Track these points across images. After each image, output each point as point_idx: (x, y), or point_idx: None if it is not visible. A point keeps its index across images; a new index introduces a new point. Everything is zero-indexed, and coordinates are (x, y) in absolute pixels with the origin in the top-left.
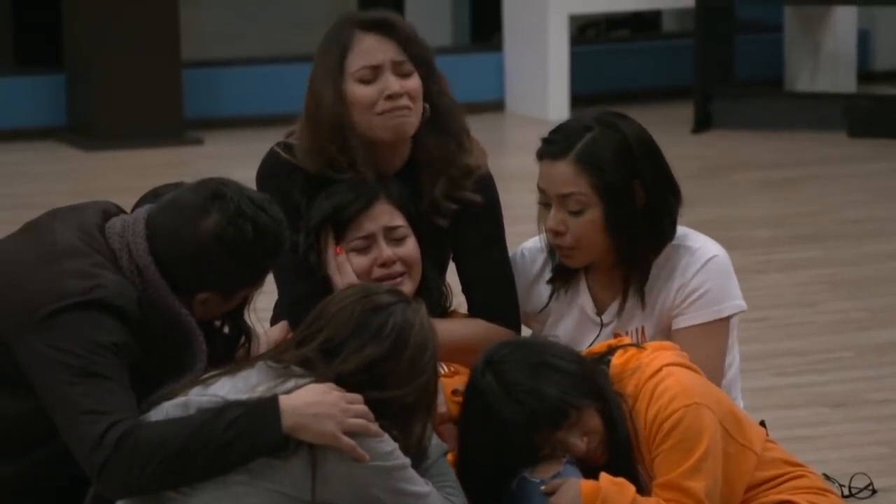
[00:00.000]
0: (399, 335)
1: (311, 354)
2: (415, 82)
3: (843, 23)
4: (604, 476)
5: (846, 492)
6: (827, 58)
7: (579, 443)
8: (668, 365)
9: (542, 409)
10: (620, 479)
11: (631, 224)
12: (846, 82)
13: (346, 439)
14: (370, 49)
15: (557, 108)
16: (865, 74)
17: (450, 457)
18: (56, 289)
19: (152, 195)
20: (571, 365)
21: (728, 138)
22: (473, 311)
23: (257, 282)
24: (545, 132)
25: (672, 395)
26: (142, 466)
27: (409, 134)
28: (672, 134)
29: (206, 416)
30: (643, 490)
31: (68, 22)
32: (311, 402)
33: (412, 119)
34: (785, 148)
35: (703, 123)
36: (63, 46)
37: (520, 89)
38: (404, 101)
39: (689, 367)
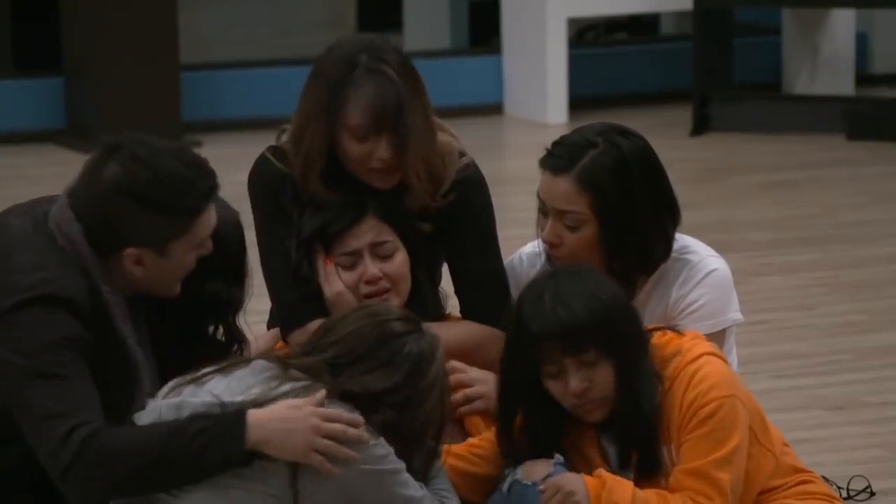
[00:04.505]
0: (411, 366)
1: (317, 365)
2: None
3: (842, 25)
4: (603, 472)
5: (844, 494)
6: (825, 60)
7: (577, 382)
8: (707, 354)
9: (572, 324)
10: (619, 478)
11: (623, 245)
12: (844, 85)
13: (315, 457)
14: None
15: (556, 111)
16: (863, 77)
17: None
18: (5, 286)
19: None
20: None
21: (726, 141)
22: (466, 312)
23: (183, 230)
24: (544, 135)
25: (712, 383)
26: (105, 474)
27: None
28: (670, 137)
29: (172, 426)
30: (664, 470)
31: (67, 25)
32: (281, 416)
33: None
34: (783, 151)
35: (701, 126)
36: (62, 49)
37: (518, 92)
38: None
39: (724, 361)
